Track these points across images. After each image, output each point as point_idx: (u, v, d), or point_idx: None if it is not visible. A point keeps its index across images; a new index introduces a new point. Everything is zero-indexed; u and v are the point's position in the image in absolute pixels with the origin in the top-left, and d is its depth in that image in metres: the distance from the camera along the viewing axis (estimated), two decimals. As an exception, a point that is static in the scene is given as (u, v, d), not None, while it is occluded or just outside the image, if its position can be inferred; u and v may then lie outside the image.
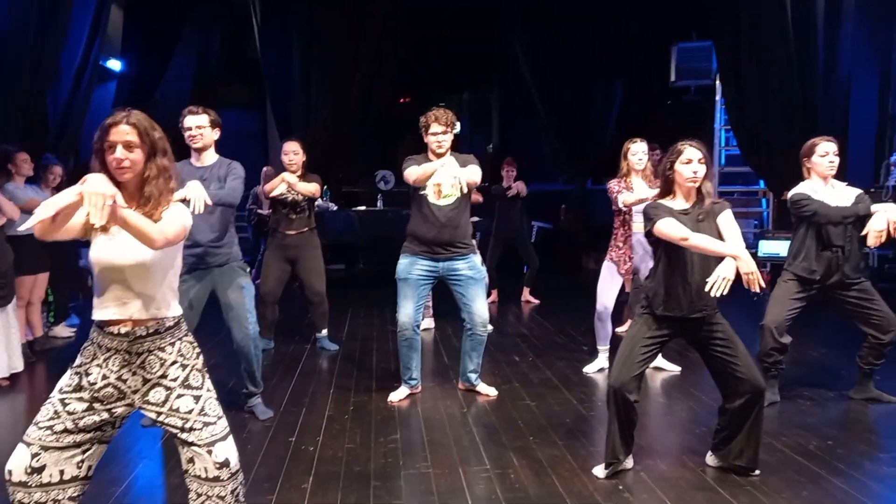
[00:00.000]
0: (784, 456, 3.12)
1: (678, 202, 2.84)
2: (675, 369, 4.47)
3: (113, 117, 1.92)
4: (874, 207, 3.54)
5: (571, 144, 9.45)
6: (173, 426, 1.99)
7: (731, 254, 2.59)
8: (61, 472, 1.93)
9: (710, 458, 3.01)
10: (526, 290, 7.18)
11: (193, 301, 3.42)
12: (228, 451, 2.01)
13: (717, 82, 8.68)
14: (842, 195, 3.71)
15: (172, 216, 1.96)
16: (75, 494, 1.98)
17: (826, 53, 6.96)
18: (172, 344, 2.01)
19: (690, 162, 2.77)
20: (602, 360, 4.49)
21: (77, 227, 1.85)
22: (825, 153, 3.68)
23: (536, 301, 7.09)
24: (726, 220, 2.78)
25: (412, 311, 3.81)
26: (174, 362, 2.00)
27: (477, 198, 5.90)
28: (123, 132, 1.89)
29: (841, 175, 7.22)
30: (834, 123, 7.11)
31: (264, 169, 8.07)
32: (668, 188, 2.88)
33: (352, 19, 8.70)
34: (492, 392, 4.03)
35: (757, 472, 2.89)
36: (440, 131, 3.73)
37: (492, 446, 3.24)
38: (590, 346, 4.79)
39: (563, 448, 3.21)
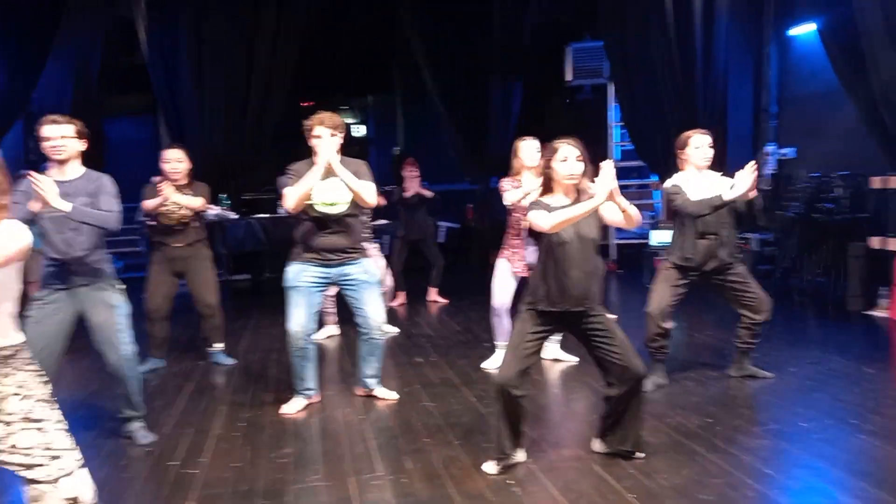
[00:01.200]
0: (668, 437, 3.24)
1: (558, 198, 2.89)
2: (572, 360, 4.58)
3: None
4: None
5: (473, 144, 9.55)
6: (14, 463, 1.82)
7: (594, 204, 2.65)
8: None
9: (597, 445, 3.09)
10: (432, 290, 7.18)
11: (56, 324, 3.18)
12: (79, 486, 1.87)
13: (610, 81, 9.00)
14: (716, 185, 3.90)
15: (3, 236, 1.79)
16: None
17: (704, 50, 7.35)
18: (8, 376, 1.84)
19: (566, 160, 2.83)
20: (500, 355, 4.53)
21: None
22: (699, 145, 3.87)
23: (444, 300, 7.10)
24: (607, 208, 2.83)
25: (304, 321, 3.71)
26: (15, 394, 1.84)
27: (379, 200, 5.82)
28: None
29: (721, 165, 7.66)
30: (713, 117, 7.53)
31: (154, 178, 7.69)
32: (548, 185, 2.93)
33: (243, 22, 8.44)
34: (391, 396, 3.98)
35: (641, 454, 2.99)
36: (326, 134, 3.64)
37: (387, 452, 3.20)
38: (492, 343, 4.83)
39: (459, 447, 3.21)
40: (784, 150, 7.46)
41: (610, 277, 8.32)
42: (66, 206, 2.95)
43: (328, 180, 3.63)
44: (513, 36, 9.49)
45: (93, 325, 3.28)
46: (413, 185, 6.79)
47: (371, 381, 3.99)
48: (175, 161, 4.57)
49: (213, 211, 7.89)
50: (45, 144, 3.14)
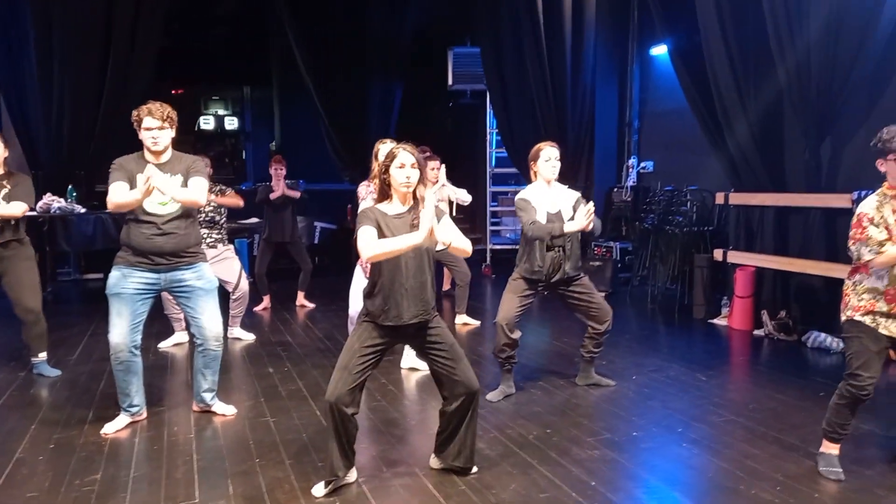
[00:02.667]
0: (505, 449, 3.25)
1: (394, 206, 2.80)
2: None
3: None
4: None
5: (352, 145, 9.36)
6: None
7: (414, 241, 2.58)
8: None
9: (433, 461, 3.03)
10: (300, 294, 6.93)
11: None
12: None
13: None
14: (562, 197, 3.98)
15: None
16: None
17: (573, 64, 7.61)
18: None
19: (403, 167, 2.75)
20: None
21: None
22: (548, 158, 3.93)
23: (311, 305, 6.88)
24: (445, 224, 2.78)
25: (127, 331, 3.39)
26: None
27: (236, 201, 5.50)
28: None
29: (589, 177, 7.95)
30: (581, 128, 7.82)
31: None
32: (385, 192, 2.83)
33: (99, 6, 7.76)
34: (229, 411, 3.74)
35: (474, 469, 2.96)
36: (155, 126, 3.34)
37: (210, 475, 2.97)
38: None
39: (290, 468, 3.04)
40: (644, 164, 7.86)
41: (484, 283, 8.43)
42: None
43: (162, 176, 3.34)
44: (392, 36, 9.39)
45: None
46: (279, 183, 6.50)
47: (207, 396, 3.72)
48: None
49: (58, 204, 7.20)
50: None
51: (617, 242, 7.58)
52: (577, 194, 4.03)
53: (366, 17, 9.17)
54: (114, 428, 3.47)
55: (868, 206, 2.82)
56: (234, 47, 10.55)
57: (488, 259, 9.34)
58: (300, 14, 8.86)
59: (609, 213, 7.92)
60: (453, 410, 2.87)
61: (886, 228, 2.76)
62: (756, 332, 5.61)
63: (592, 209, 3.76)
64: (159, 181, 3.20)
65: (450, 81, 9.54)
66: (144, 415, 3.64)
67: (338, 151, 9.67)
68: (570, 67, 7.60)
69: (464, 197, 5.73)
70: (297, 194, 6.60)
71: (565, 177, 4.60)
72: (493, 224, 9.58)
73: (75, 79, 7.89)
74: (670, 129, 7.51)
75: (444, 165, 5.45)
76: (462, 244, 2.77)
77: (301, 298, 6.92)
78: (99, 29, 7.89)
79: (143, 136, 3.38)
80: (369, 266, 4.25)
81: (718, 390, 4.14)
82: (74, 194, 7.49)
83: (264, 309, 6.68)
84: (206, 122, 11.69)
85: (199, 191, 3.40)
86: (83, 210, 7.32)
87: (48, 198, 7.18)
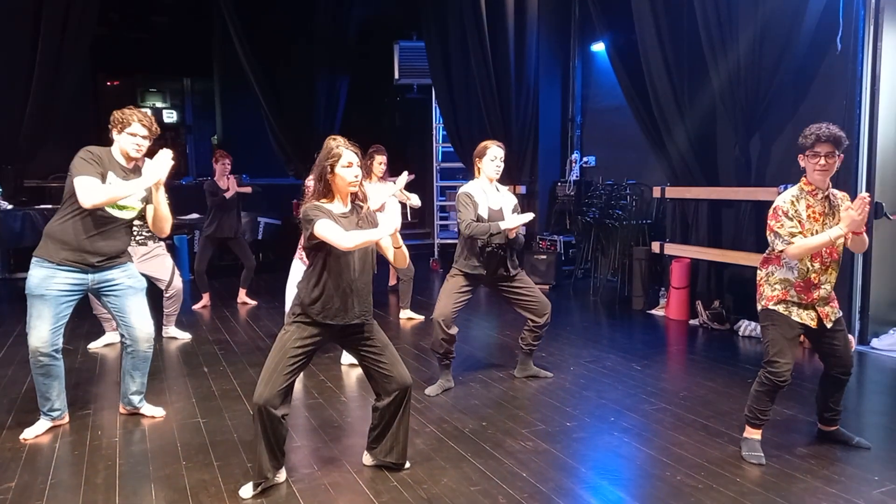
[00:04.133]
0: (439, 443, 3.24)
1: (337, 205, 2.74)
2: (368, 365, 4.48)
3: None
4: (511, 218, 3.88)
5: (297, 139, 9.21)
6: None
7: (381, 234, 2.60)
8: None
9: (366, 458, 3.01)
10: (242, 292, 6.79)
11: None
12: None
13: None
14: (503, 197, 4.00)
15: None
16: None
17: (516, 61, 7.64)
18: None
19: (350, 165, 2.71)
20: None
21: None
22: (494, 158, 3.92)
23: (253, 302, 6.75)
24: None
25: (47, 334, 3.23)
26: None
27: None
28: None
29: (533, 171, 8.00)
30: (525, 125, 7.87)
31: None
32: (327, 190, 2.76)
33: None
34: (158, 413, 3.63)
35: (407, 465, 2.95)
36: (143, 134, 3.23)
37: (131, 480, 2.87)
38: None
39: (217, 469, 2.96)
40: (586, 158, 7.97)
41: (432, 277, 8.42)
42: None
43: (125, 180, 3.22)
44: (338, 29, 9.28)
45: None
46: (227, 179, 6.34)
47: (135, 399, 3.60)
48: None
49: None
50: None
51: (561, 236, 7.67)
52: (515, 200, 4.07)
53: (311, 9, 9.02)
54: (33, 433, 3.32)
55: (784, 199, 2.92)
56: (174, 37, 10.23)
57: (436, 253, 9.34)
58: (243, 4, 8.65)
59: (553, 206, 8.01)
60: (386, 406, 2.85)
61: (799, 222, 2.86)
62: (692, 321, 5.77)
63: (528, 218, 3.84)
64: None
65: (396, 75, 9.48)
66: (66, 419, 3.49)
67: (282, 146, 9.51)
68: (513, 63, 7.64)
69: (415, 201, 5.69)
70: (249, 190, 6.46)
71: (510, 172, 4.58)
72: (441, 218, 9.58)
73: (1, 69, 7.52)
74: (611, 125, 7.63)
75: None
76: (405, 254, 2.84)
77: (243, 295, 6.78)
78: (28, 16, 7.54)
79: (125, 140, 3.22)
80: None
81: (652, 380, 4.24)
82: (1, 190, 7.15)
83: (203, 307, 6.52)
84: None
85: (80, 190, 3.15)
86: (10, 206, 7.00)
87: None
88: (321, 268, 2.73)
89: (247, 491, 2.72)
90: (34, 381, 3.36)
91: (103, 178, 3.17)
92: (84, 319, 5.20)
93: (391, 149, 6.71)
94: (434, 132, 9.44)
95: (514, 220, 3.80)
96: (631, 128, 6.69)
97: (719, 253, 5.62)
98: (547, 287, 7.11)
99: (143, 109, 3.36)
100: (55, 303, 3.25)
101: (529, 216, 3.86)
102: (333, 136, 4.25)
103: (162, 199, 3.30)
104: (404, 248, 2.82)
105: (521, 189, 7.86)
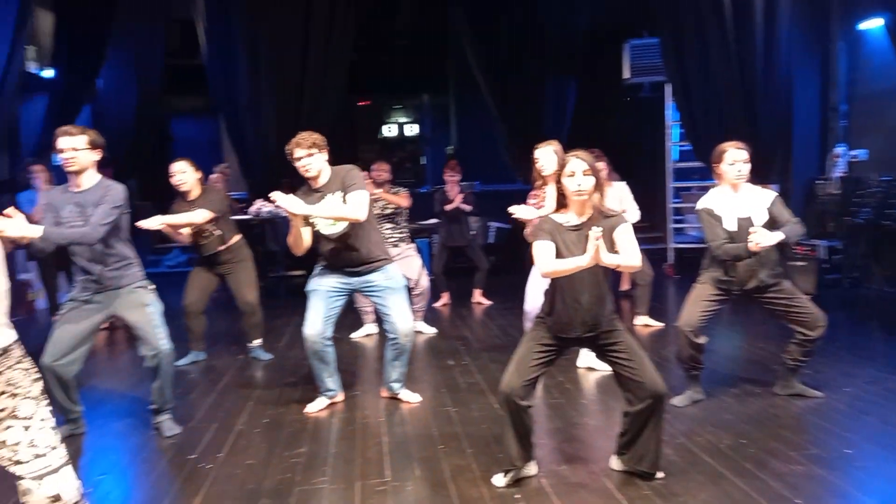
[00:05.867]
0: (693, 456, 3.07)
1: (570, 216, 2.74)
2: (607, 369, 4.39)
3: None
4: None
5: (526, 145, 9.40)
6: (5, 458, 1.88)
7: (581, 263, 2.54)
8: None
9: (614, 462, 2.95)
10: (476, 292, 7.11)
11: (87, 325, 3.32)
12: (62, 484, 1.90)
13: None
14: (754, 200, 3.61)
15: None
16: None
17: (765, 48, 6.96)
18: (1, 373, 1.89)
19: (574, 175, 2.66)
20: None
21: None
22: (733, 161, 3.56)
23: (488, 302, 7.03)
24: (622, 233, 2.69)
25: (319, 324, 3.70)
26: (2, 392, 1.89)
27: (402, 200, 5.72)
28: None
29: (786, 169, 7.22)
30: (775, 117, 7.13)
31: (212, 176, 7.97)
32: (562, 201, 2.78)
33: (297, 23, 8.60)
34: (414, 399, 3.95)
35: (660, 474, 2.84)
36: (303, 155, 3.57)
37: (397, 458, 3.16)
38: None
39: (471, 456, 3.13)
40: (854, 152, 6.97)
41: (667, 283, 8.03)
42: (36, 233, 2.88)
43: (324, 200, 3.56)
44: (566, 34, 9.29)
45: (129, 324, 3.41)
46: (453, 189, 6.73)
47: (395, 385, 3.96)
48: (179, 173, 4.54)
49: (267, 208, 8.09)
50: (60, 156, 3.21)
51: (822, 240, 6.80)
52: (773, 195, 3.63)
53: (540, 19, 9.16)
54: (315, 408, 3.83)
55: None
56: (414, 58, 11.10)
57: (671, 258, 8.87)
58: (475, 18, 9.09)
59: (811, 207, 7.13)
60: (637, 412, 2.77)
61: None
62: None
63: (779, 238, 3.36)
64: (304, 210, 3.42)
65: (626, 75, 9.21)
66: (340, 398, 3.96)
67: (510, 152, 9.77)
68: (760, 50, 6.96)
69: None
70: (468, 208, 6.75)
71: (758, 171, 4.17)
72: (675, 221, 9.08)
73: (279, 97, 8.81)
74: (888, 113, 6.57)
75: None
76: (629, 262, 2.65)
77: (477, 296, 7.11)
78: (297, 49, 8.74)
79: (297, 167, 3.62)
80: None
81: (955, 409, 3.55)
82: (278, 200, 8.36)
83: (444, 305, 6.96)
84: (389, 130, 12.44)
85: (358, 205, 3.48)
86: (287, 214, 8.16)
87: (259, 203, 8.09)
88: (551, 282, 2.74)
89: (499, 479, 2.84)
90: (311, 365, 3.87)
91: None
92: (348, 312, 5.85)
93: (620, 149, 6.46)
94: (667, 130, 8.99)
95: (766, 238, 3.31)
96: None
97: None
98: (807, 298, 6.34)
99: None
100: (326, 298, 3.72)
101: (779, 237, 3.37)
102: (540, 144, 4.17)
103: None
104: (626, 263, 2.64)
105: (773, 188, 7.12)
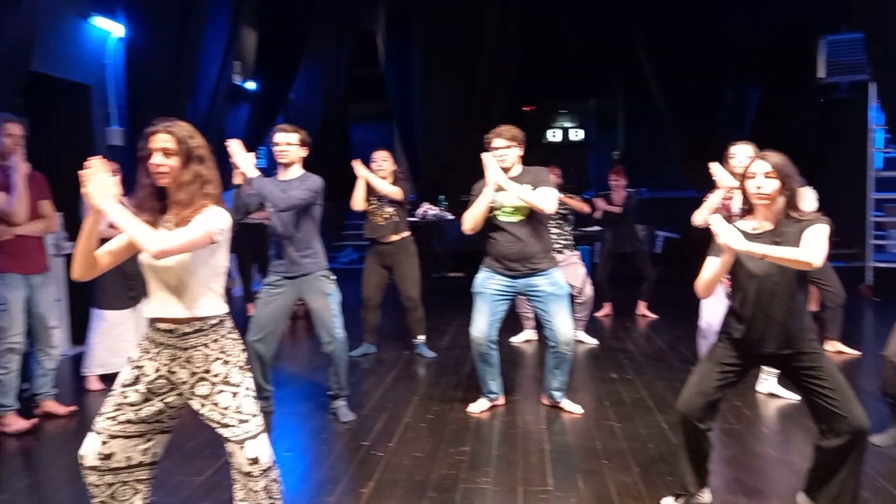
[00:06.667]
0: (894, 502, 2.71)
1: (756, 222, 2.55)
2: (791, 398, 4.04)
3: (154, 126, 2.07)
4: None
5: (701, 150, 8.87)
6: (213, 420, 2.12)
7: (726, 261, 2.42)
8: (128, 459, 2.13)
9: (801, 499, 2.69)
10: (641, 304, 6.84)
11: (280, 306, 3.66)
12: (259, 449, 2.10)
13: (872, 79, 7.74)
14: None
15: (191, 226, 2.02)
16: (143, 478, 2.18)
17: None
18: (216, 341, 2.12)
19: (755, 177, 2.47)
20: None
21: (124, 248, 2.07)
22: None
23: (654, 315, 6.74)
24: (811, 232, 2.42)
25: (485, 327, 3.77)
26: (217, 359, 2.12)
27: (583, 207, 5.74)
28: (161, 140, 2.05)
29: None
30: None
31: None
32: (749, 206, 2.60)
33: (469, 33, 8.84)
34: (576, 410, 3.89)
35: (857, 519, 2.54)
36: (502, 146, 3.65)
37: (560, 467, 3.13)
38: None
39: (638, 475, 3.02)
40: None
41: (863, 306, 7.18)
42: (254, 173, 3.46)
43: (500, 196, 3.64)
44: (749, 31, 8.63)
45: (311, 310, 3.72)
46: (619, 194, 6.53)
47: (556, 394, 3.93)
48: (381, 160, 5.00)
49: (433, 211, 8.41)
50: (275, 149, 3.64)
51: None
52: None
53: (718, 12, 8.60)
54: (477, 409, 3.91)
55: None
56: (582, 62, 10.92)
57: (868, 279, 7.91)
58: (648, 20, 8.75)
59: None
60: (833, 448, 2.50)
61: None
62: None
63: None
64: (503, 179, 3.53)
65: (820, 74, 8.36)
66: (501, 401, 4.01)
67: (684, 158, 9.28)
68: None
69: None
70: (618, 210, 6.48)
71: None
72: (876, 237, 8.09)
73: (448, 101, 9.13)
74: None
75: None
76: (799, 256, 2.32)
77: (642, 308, 6.83)
78: (468, 57, 8.99)
79: (494, 155, 3.67)
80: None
81: None
82: (445, 203, 8.64)
83: (605, 315, 6.77)
84: (553, 135, 12.36)
85: (549, 197, 3.58)
86: (452, 217, 8.41)
87: (425, 206, 8.43)
88: (739, 290, 2.55)
89: (669, 503, 2.71)
90: (475, 365, 3.94)
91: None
92: (508, 317, 5.90)
93: (810, 156, 5.82)
94: (869, 135, 8.03)
95: None
96: None
97: None
98: None
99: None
100: (491, 300, 3.77)
101: None
102: (735, 142, 3.91)
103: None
104: (796, 255, 2.33)
105: None
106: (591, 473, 3.04)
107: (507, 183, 3.57)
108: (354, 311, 5.13)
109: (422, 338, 5.29)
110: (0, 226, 3.57)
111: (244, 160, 3.47)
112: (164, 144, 2.05)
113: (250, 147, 8.17)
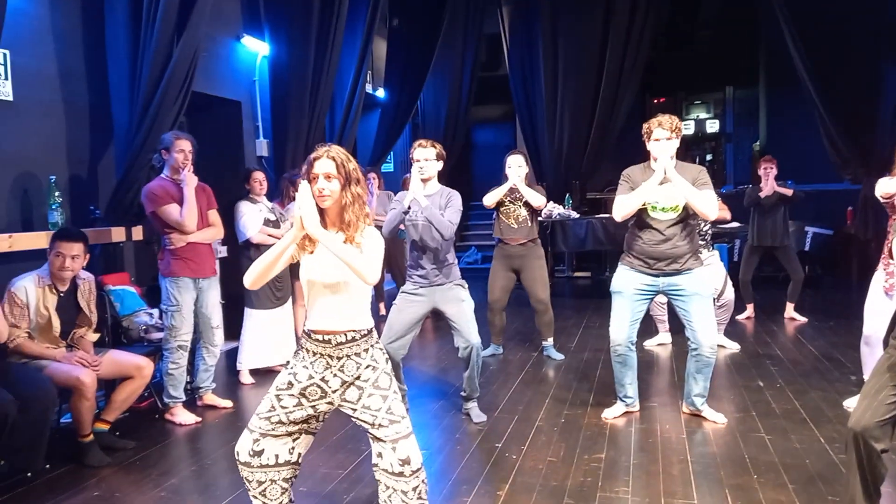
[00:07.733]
0: None
1: None
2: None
3: (316, 152, 2.20)
4: None
5: (856, 139, 8.06)
6: (365, 422, 2.20)
7: None
8: (276, 456, 2.27)
9: None
10: (789, 306, 6.33)
11: (415, 314, 3.74)
12: (410, 449, 2.16)
13: None
14: None
15: (373, 250, 2.17)
16: (288, 476, 2.31)
17: None
18: (367, 350, 2.23)
19: None
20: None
21: (286, 261, 2.21)
22: None
23: (803, 319, 6.22)
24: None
25: (626, 328, 3.64)
26: (368, 366, 2.22)
27: (723, 214, 5.35)
28: (324, 165, 2.17)
29: None
30: None
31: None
32: None
33: (596, 32, 8.63)
34: (720, 419, 3.66)
35: None
36: (664, 137, 3.50)
37: (705, 480, 2.95)
38: (859, 377, 4.08)
39: (794, 493, 2.79)
40: None
41: None
42: (424, 202, 3.56)
43: (665, 184, 3.49)
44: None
45: (447, 317, 3.77)
46: (769, 185, 6.06)
47: (698, 401, 3.72)
48: (516, 166, 4.89)
49: (559, 211, 8.28)
50: (414, 164, 3.71)
51: None
52: None
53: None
54: (612, 414, 3.79)
55: None
56: (718, 50, 10.31)
57: None
58: (798, 4, 8.06)
59: None
60: None
61: None
62: None
63: None
64: (672, 173, 3.40)
65: None
66: (637, 407, 3.86)
67: (837, 148, 8.47)
68: None
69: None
70: (789, 192, 6.04)
71: None
72: None
73: (573, 100, 8.95)
74: None
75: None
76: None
77: (790, 310, 6.32)
78: (595, 56, 8.77)
79: (652, 146, 3.55)
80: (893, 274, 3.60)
81: None
82: (570, 202, 8.49)
83: (748, 318, 6.34)
84: (686, 127, 11.75)
85: (710, 200, 3.41)
86: (577, 216, 8.24)
87: (550, 205, 8.32)
88: None
89: (833, 527, 2.47)
90: (613, 368, 3.82)
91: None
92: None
93: None
94: None
95: None
96: None
97: None
98: None
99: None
100: (631, 300, 3.63)
101: None
102: None
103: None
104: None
105: None
106: (740, 489, 2.85)
107: (676, 178, 3.42)
108: (478, 312, 5.15)
109: (550, 340, 5.22)
110: (174, 234, 3.94)
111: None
112: (327, 169, 2.16)
113: (380, 155, 8.49)
